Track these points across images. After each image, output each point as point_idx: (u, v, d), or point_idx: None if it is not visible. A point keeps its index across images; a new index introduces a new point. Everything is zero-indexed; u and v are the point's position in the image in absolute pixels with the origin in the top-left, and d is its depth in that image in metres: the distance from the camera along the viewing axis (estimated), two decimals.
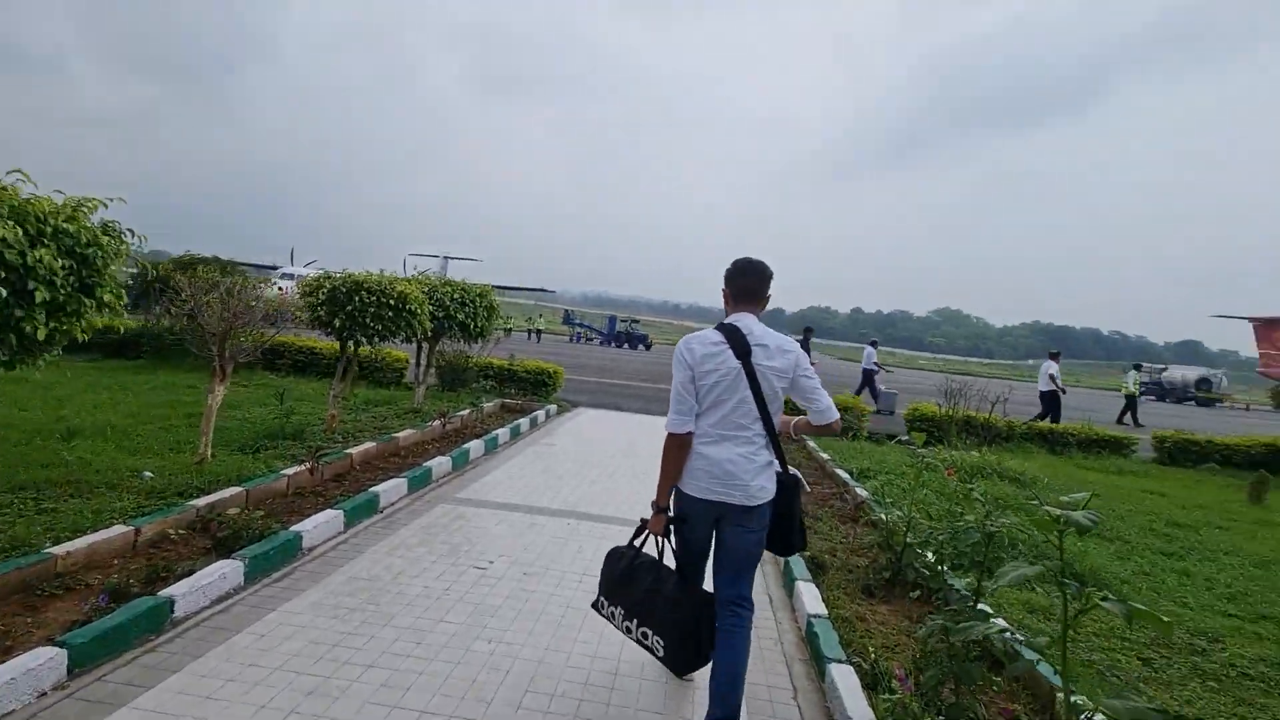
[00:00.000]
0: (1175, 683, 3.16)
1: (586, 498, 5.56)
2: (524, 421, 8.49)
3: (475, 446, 6.71)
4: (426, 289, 7.73)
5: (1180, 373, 40.07)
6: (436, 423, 7.19)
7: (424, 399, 8.47)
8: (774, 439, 2.42)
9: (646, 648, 2.53)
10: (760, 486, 2.37)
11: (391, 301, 6.31)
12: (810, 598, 3.61)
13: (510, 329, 42.39)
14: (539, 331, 38.86)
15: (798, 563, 4.04)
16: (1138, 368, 18.15)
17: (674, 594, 2.46)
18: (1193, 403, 36.25)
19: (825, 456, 7.82)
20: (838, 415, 2.43)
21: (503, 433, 7.57)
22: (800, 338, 12.42)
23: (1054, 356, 13.62)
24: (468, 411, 8.19)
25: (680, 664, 2.55)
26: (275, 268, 32.21)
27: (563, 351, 29.36)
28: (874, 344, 15.79)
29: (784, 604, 3.83)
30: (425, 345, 8.50)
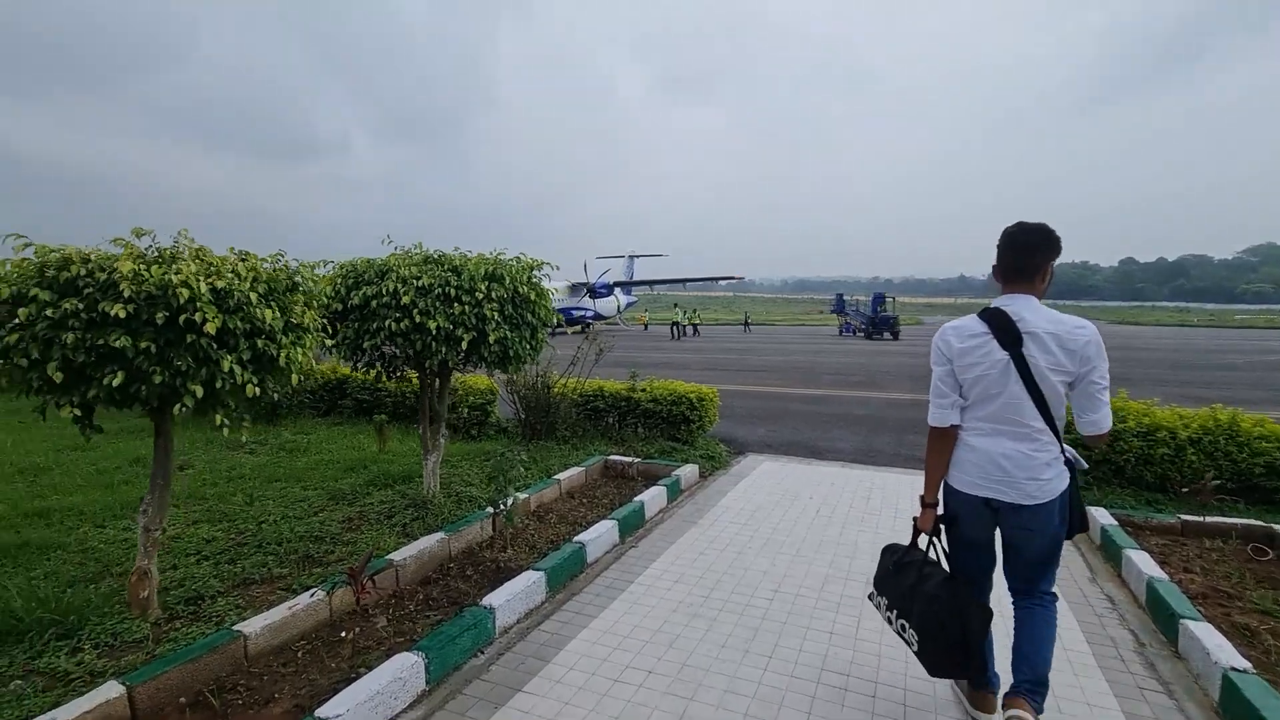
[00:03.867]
0: None
1: None
2: (605, 528, 4.07)
3: (384, 680, 2.45)
4: (347, 271, 3.88)
5: None
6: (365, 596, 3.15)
7: (436, 479, 4.55)
8: (1058, 434, 2.08)
9: (905, 641, 2.30)
10: (1040, 485, 2.06)
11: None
12: None
13: (691, 323, 35.93)
14: (693, 327, 32.39)
15: None
16: None
17: (934, 591, 2.20)
18: None
19: None
20: (1107, 429, 2.05)
21: (516, 596, 3.24)
22: None
23: None
24: (495, 515, 4.04)
25: (931, 664, 2.23)
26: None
27: (754, 345, 24.22)
28: None
29: None
30: (431, 383, 4.56)
